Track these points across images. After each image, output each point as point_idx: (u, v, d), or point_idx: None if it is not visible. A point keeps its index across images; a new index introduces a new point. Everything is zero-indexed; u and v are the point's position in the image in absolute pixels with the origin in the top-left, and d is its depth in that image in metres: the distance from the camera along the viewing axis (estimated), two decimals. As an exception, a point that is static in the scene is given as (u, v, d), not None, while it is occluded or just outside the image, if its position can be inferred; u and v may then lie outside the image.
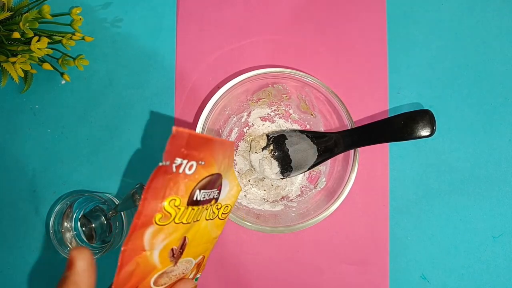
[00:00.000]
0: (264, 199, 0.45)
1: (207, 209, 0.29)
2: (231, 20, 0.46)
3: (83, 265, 0.24)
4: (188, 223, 0.26)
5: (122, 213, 0.41)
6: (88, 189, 0.45)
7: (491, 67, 0.46)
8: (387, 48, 0.46)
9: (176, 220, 0.25)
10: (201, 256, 0.31)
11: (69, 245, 0.42)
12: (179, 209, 0.25)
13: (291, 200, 0.44)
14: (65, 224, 0.42)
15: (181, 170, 0.24)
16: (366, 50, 0.46)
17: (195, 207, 0.26)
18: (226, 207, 0.32)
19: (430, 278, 0.44)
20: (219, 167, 0.28)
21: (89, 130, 0.46)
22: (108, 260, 0.45)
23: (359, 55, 0.46)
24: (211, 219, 0.30)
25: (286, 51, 0.46)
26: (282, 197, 0.45)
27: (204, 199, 0.27)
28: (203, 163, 0.26)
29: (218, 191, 0.29)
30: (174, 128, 0.23)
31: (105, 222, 0.43)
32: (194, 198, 0.26)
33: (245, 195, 0.45)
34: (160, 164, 0.23)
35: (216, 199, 0.30)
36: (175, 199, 0.25)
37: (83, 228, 0.42)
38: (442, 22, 0.46)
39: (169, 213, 0.24)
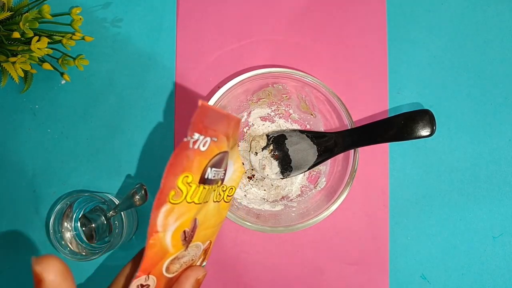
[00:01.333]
0: (264, 199, 0.45)
1: (214, 190, 0.28)
2: (231, 20, 0.46)
3: (54, 278, 0.20)
4: (199, 203, 0.26)
5: (122, 213, 0.41)
6: (88, 189, 0.45)
7: (491, 67, 0.46)
8: (387, 48, 0.46)
9: (188, 199, 0.24)
10: (208, 241, 0.30)
11: (69, 245, 0.42)
12: (191, 186, 0.24)
13: (291, 200, 0.44)
14: (65, 224, 0.42)
15: (196, 146, 0.24)
16: (366, 50, 0.46)
17: (206, 186, 0.26)
18: (231, 189, 0.31)
19: (430, 278, 0.44)
20: (228, 145, 0.27)
21: (89, 130, 0.46)
22: (108, 260, 0.45)
23: (359, 55, 0.46)
24: (217, 202, 0.29)
25: (286, 51, 0.46)
26: (282, 197, 0.45)
27: (214, 178, 0.27)
28: (216, 139, 0.25)
29: (224, 171, 0.29)
30: (200, 102, 0.22)
31: (105, 222, 0.43)
32: (206, 176, 0.25)
33: (245, 195, 0.45)
34: (184, 139, 0.23)
35: (222, 180, 0.29)
36: (187, 176, 0.24)
37: (83, 228, 0.42)
38: (442, 22, 0.46)
39: (180, 190, 0.24)
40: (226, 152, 0.27)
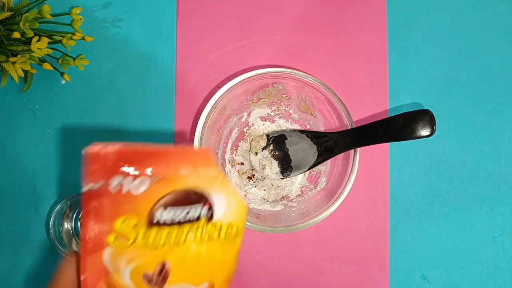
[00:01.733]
0: (264, 199, 0.45)
1: (197, 229, 0.26)
2: (231, 20, 0.46)
3: None
4: (158, 245, 0.24)
5: (122, 213, 0.41)
6: (88, 189, 0.45)
7: (491, 67, 0.46)
8: (387, 48, 0.46)
9: (139, 244, 0.23)
10: (206, 282, 0.27)
11: (69, 245, 0.42)
12: (138, 229, 0.23)
13: (291, 200, 0.44)
14: (65, 224, 0.42)
15: (125, 189, 0.23)
16: (366, 50, 0.46)
17: (166, 228, 0.24)
18: (231, 226, 0.27)
19: (430, 278, 0.44)
20: (191, 181, 0.25)
21: (89, 130, 0.46)
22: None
23: (359, 55, 0.46)
24: (208, 241, 0.26)
25: (286, 51, 0.46)
26: (282, 197, 0.45)
27: (176, 218, 0.25)
28: (159, 177, 0.24)
29: (206, 208, 0.26)
30: (87, 150, 0.22)
31: (105, 222, 0.43)
32: (157, 218, 0.24)
33: (245, 195, 0.45)
34: (87, 188, 0.22)
35: (209, 218, 0.26)
36: (130, 219, 0.23)
37: (83, 228, 0.42)
38: (442, 22, 0.46)
39: (123, 234, 0.23)
40: (190, 189, 0.25)
